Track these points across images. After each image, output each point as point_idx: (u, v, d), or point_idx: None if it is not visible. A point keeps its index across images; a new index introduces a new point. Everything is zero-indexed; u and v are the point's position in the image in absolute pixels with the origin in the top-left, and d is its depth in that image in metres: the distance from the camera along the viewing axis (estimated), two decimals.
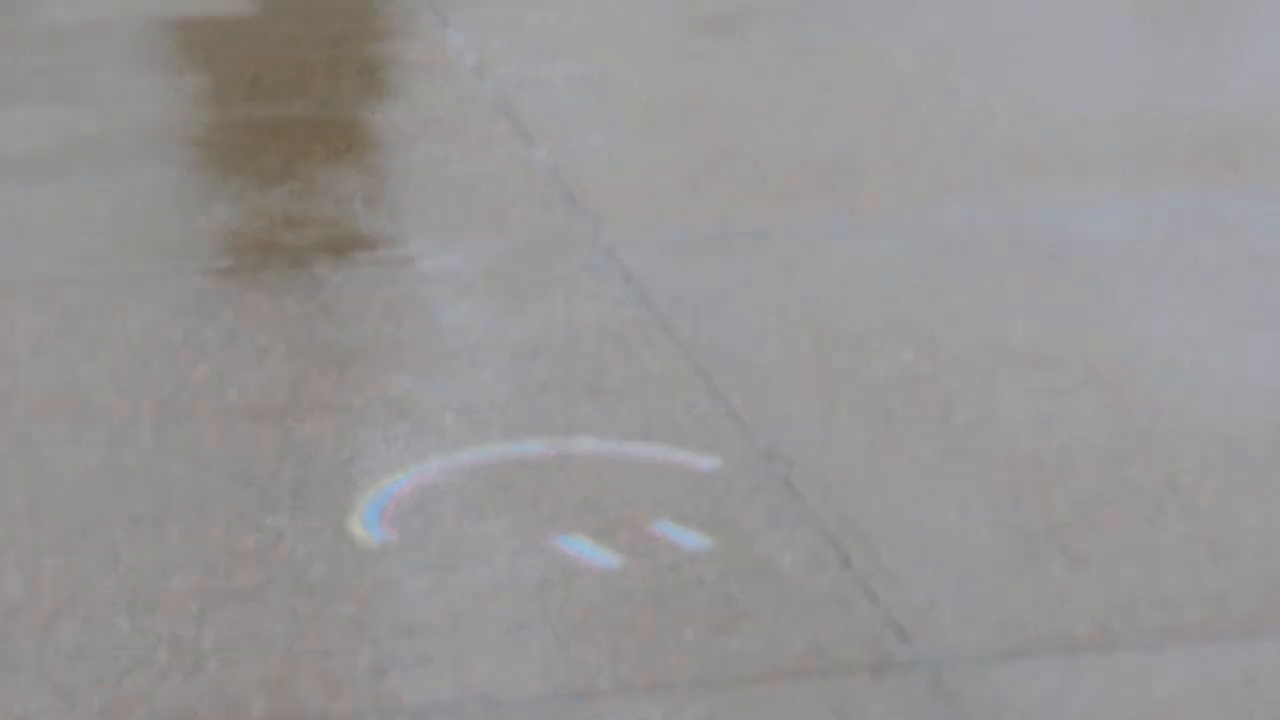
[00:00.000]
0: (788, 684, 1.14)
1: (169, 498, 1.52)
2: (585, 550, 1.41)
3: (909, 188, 2.58)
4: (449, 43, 3.57)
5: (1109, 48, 3.46)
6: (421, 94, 3.24)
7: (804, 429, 1.72)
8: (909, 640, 1.20)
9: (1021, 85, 3.16)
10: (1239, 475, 1.57)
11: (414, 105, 3.16)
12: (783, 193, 2.55)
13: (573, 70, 3.30)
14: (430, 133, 2.94)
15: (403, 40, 3.65)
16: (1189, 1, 3.83)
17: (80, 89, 3.25)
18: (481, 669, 1.16)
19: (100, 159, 2.76)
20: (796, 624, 1.23)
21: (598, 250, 2.31)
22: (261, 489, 1.55)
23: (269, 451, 1.65)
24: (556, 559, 1.38)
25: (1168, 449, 1.63)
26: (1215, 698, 1.10)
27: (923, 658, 1.18)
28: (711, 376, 1.86)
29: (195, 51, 3.56)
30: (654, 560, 1.38)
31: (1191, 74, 3.25)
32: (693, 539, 1.44)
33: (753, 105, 3.03)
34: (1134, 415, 1.72)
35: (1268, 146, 2.74)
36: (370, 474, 1.61)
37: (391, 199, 2.57)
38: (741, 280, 2.17)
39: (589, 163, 2.73)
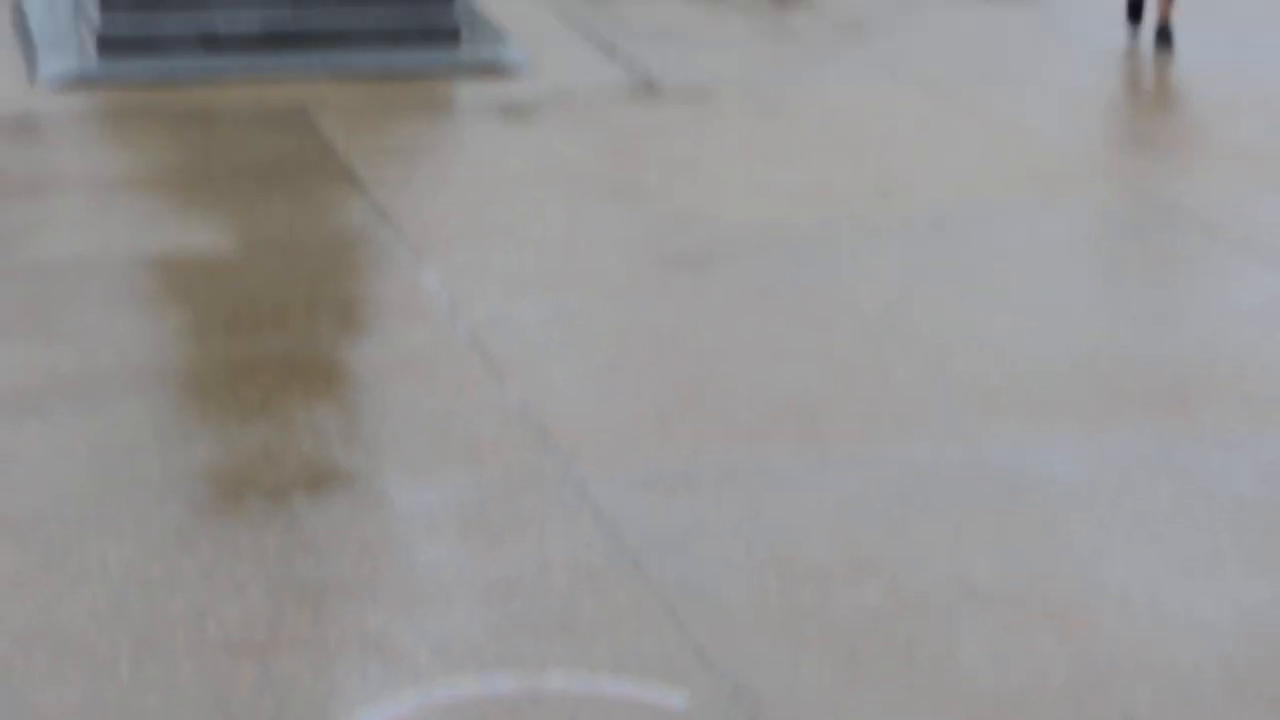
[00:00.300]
0: None
1: None
2: None
3: (873, 426, 2.71)
4: (423, 282, 3.73)
5: (1066, 289, 3.68)
6: (396, 332, 3.38)
7: (771, 666, 1.75)
8: None
9: (981, 325, 3.35)
10: (1193, 714, 1.63)
11: (389, 343, 3.29)
12: (750, 431, 2.68)
13: (543, 309, 3.48)
14: (405, 370, 3.07)
15: (378, 279, 3.78)
16: (1142, 246, 4.08)
17: (63, 325, 3.34)
18: None
19: (81, 396, 2.83)
20: None
21: (569, 487, 2.39)
22: None
23: (247, 686, 1.65)
24: None
25: (1124, 688, 1.69)
26: None
27: None
28: (680, 613, 1.91)
29: (176, 289, 3.68)
30: None
31: (1145, 317, 3.46)
32: None
33: (719, 343, 3.21)
34: (1091, 654, 1.78)
35: (1217, 390, 2.92)
36: (346, 709, 1.61)
37: (367, 436, 2.66)
38: (710, 517, 2.26)
39: (560, 400, 2.85)
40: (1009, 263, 3.85)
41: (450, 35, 6.26)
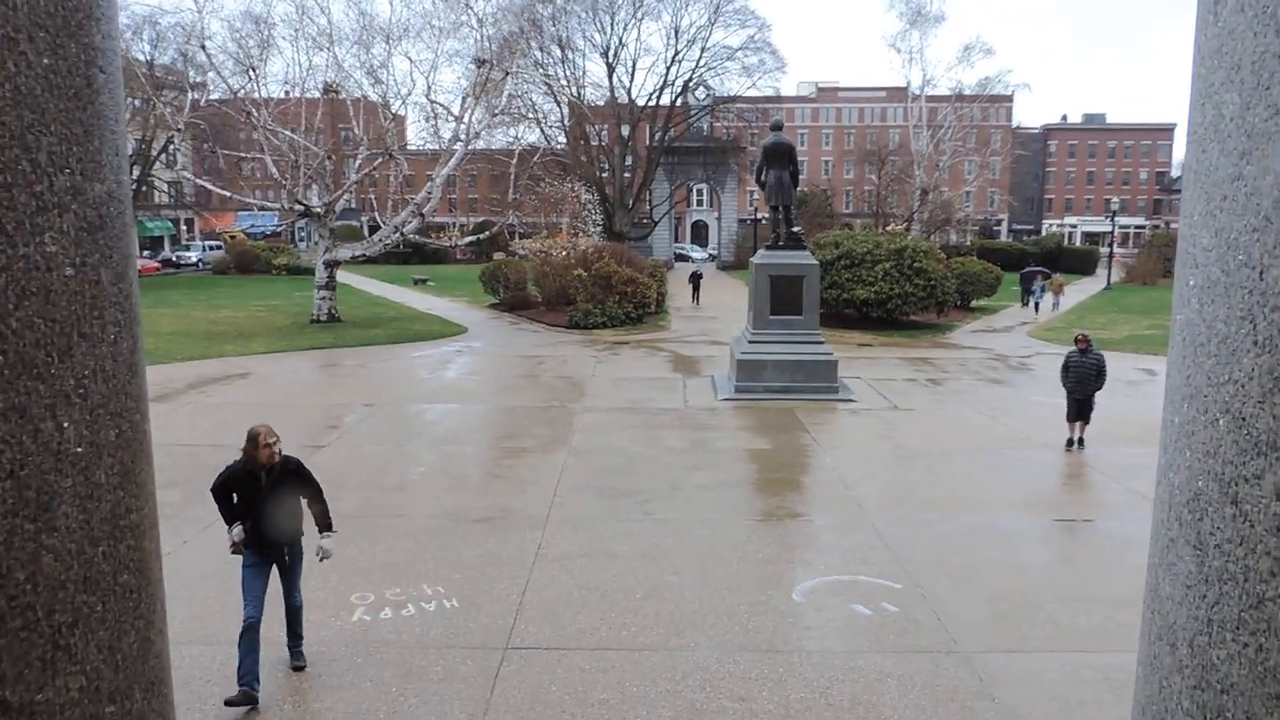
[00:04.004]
0: None
1: None
2: None
3: (959, 507, 13.16)
4: (827, 463, 14.66)
5: (1026, 468, 13.79)
6: (818, 483, 14.31)
7: (931, 579, 12.18)
8: None
9: (985, 481, 13.22)
10: None
11: (813, 485, 14.22)
12: (940, 501, 13.32)
13: (867, 471, 14.28)
14: (817, 493, 13.94)
15: (812, 461, 14.88)
16: (1058, 461, 14.23)
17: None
18: None
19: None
20: None
21: (873, 531, 13.09)
22: None
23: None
24: None
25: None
26: None
27: None
28: (899, 557, 12.53)
29: (752, 460, 14.97)
30: None
31: (1054, 486, 13.58)
32: None
33: (927, 483, 13.80)
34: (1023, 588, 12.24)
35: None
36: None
37: (812, 508, 13.52)
38: (912, 532, 12.93)
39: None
40: (1006, 466, 14.01)
41: (834, 389, 17.86)
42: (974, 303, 38.50)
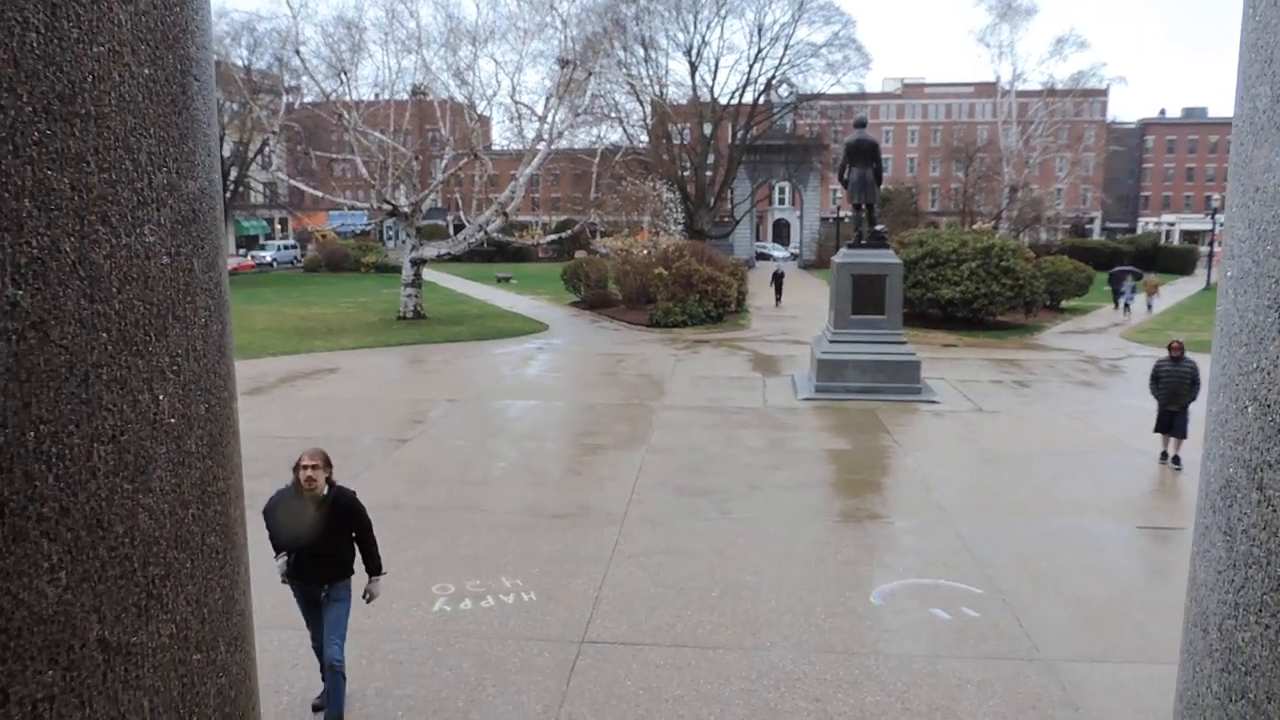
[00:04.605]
0: None
1: None
2: None
3: (1041, 511, 12.87)
4: (907, 464, 14.46)
5: (1105, 470, 13.42)
6: (898, 483, 14.12)
7: (1011, 582, 12.03)
8: None
9: (1074, 483, 13.12)
10: None
11: (894, 484, 14.02)
12: (1025, 506, 13.05)
13: (947, 472, 14.03)
14: (900, 494, 13.76)
15: (893, 461, 14.68)
16: (1136, 464, 13.81)
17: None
18: None
19: None
20: None
21: (955, 534, 12.87)
22: None
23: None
24: None
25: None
26: None
27: None
28: (980, 560, 12.31)
29: (836, 463, 14.83)
30: None
31: (1145, 475, 13.21)
32: None
33: (1005, 488, 13.53)
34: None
35: None
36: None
37: (893, 510, 13.35)
38: (998, 534, 12.68)
39: (953, 497, 13.34)
40: (1095, 470, 13.62)
41: (916, 390, 17.58)
42: (1064, 303, 37.45)
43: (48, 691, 0.76)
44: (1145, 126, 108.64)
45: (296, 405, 16.71)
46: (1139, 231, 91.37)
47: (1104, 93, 73.87)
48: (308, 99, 41.67)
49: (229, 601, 0.96)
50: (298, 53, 31.90)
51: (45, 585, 0.76)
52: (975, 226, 50.44)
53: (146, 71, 0.85)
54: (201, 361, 0.91)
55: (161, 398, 0.85)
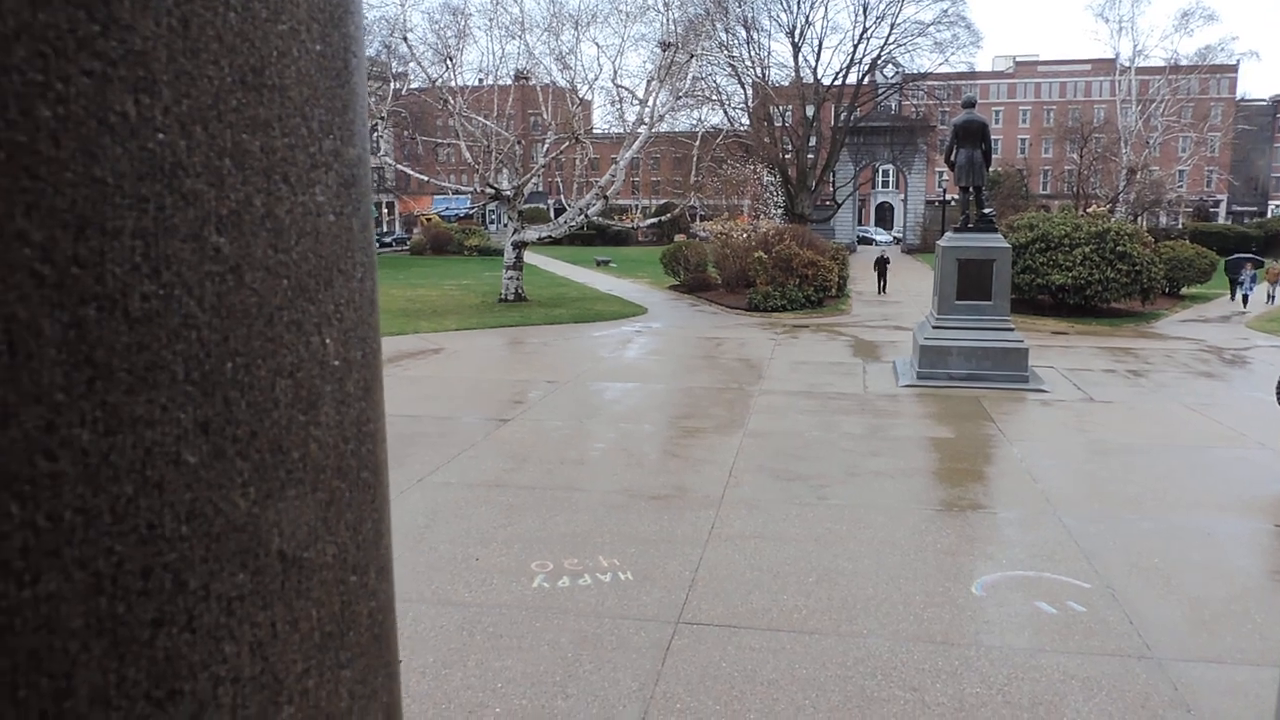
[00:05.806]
0: None
1: None
2: None
3: (1153, 508, 12.44)
4: (1012, 453, 14.08)
5: (1213, 459, 12.87)
6: (999, 472, 13.76)
7: (1119, 574, 11.64)
8: None
9: (1184, 476, 12.58)
10: None
11: (995, 473, 13.66)
12: (1133, 498, 12.63)
13: (1056, 464, 13.61)
14: (1001, 482, 13.41)
15: (996, 451, 14.30)
16: (1254, 457, 13.18)
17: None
18: None
19: None
20: None
21: (1058, 524, 12.53)
22: None
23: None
24: None
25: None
26: None
27: None
28: (1089, 554, 11.95)
29: (930, 451, 14.52)
30: None
31: (1231, 459, 12.64)
32: None
33: (1117, 479, 13.10)
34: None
35: None
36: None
37: (996, 500, 13.02)
38: (1110, 528, 12.29)
39: (1049, 478, 12.99)
40: (1214, 465, 13.04)
41: (1024, 378, 17.09)
42: (1185, 290, 35.83)
43: (240, 591, 0.85)
44: (1278, 104, 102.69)
45: (404, 384, 17.23)
46: (1269, 216, 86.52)
47: (1233, 68, 70.15)
48: (414, 85, 42.65)
49: (378, 534, 1.05)
50: (405, 40, 32.67)
51: (238, 498, 0.86)
52: (1089, 210, 48.59)
53: (318, 48, 0.93)
54: (359, 312, 1.00)
55: (329, 341, 0.94)
